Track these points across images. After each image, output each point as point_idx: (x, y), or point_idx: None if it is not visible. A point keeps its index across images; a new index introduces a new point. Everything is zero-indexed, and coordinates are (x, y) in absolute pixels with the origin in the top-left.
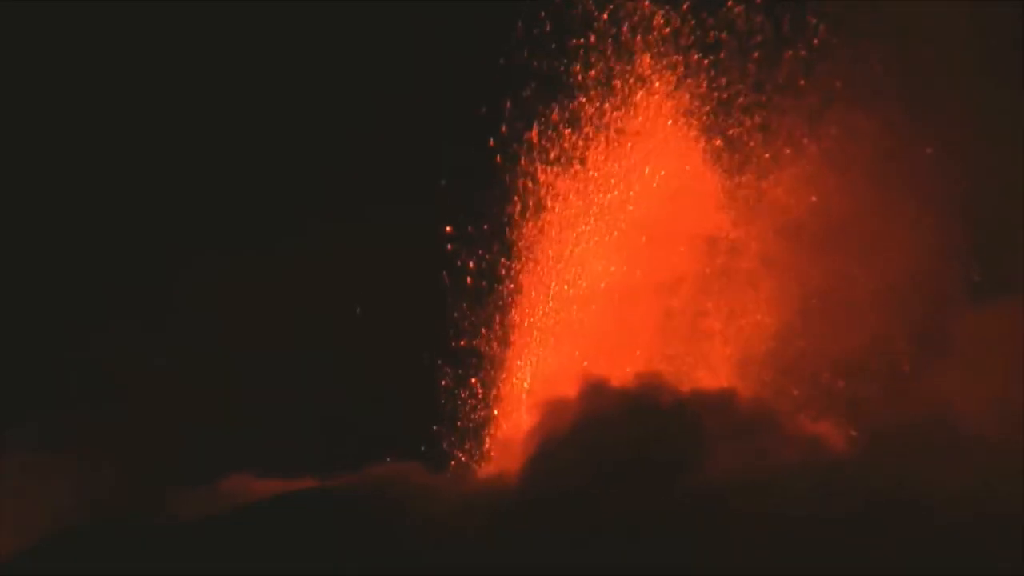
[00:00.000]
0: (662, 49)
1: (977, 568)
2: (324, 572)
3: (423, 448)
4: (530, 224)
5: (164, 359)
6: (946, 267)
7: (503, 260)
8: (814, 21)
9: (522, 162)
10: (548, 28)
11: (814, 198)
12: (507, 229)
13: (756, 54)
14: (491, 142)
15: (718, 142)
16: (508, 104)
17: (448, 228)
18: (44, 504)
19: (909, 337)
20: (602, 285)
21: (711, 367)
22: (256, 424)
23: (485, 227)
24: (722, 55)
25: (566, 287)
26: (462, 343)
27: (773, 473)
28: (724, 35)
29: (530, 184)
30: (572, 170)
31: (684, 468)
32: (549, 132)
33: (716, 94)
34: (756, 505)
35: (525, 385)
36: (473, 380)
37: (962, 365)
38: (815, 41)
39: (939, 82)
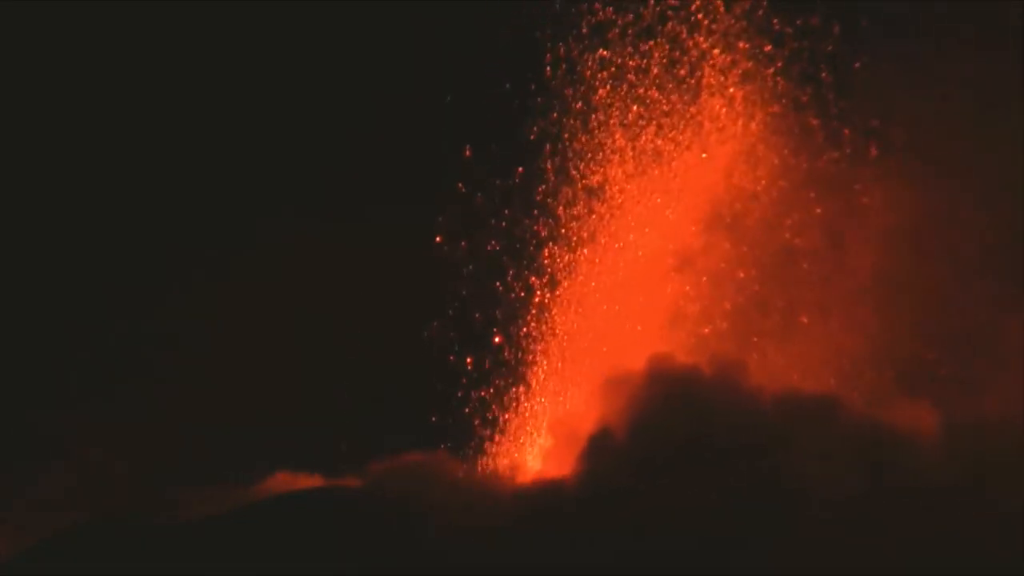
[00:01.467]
0: (720, 27)
1: (977, 568)
2: (324, 572)
3: (425, 447)
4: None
5: (164, 359)
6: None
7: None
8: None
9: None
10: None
11: (889, 193)
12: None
13: (831, 47)
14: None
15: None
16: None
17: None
18: (44, 504)
19: (974, 338)
20: (640, 253)
21: (777, 358)
22: (256, 424)
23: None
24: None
25: (599, 274)
26: (479, 334)
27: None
28: (790, 29)
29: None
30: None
31: (726, 470)
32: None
33: (781, 80)
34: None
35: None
36: (496, 380)
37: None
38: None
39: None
